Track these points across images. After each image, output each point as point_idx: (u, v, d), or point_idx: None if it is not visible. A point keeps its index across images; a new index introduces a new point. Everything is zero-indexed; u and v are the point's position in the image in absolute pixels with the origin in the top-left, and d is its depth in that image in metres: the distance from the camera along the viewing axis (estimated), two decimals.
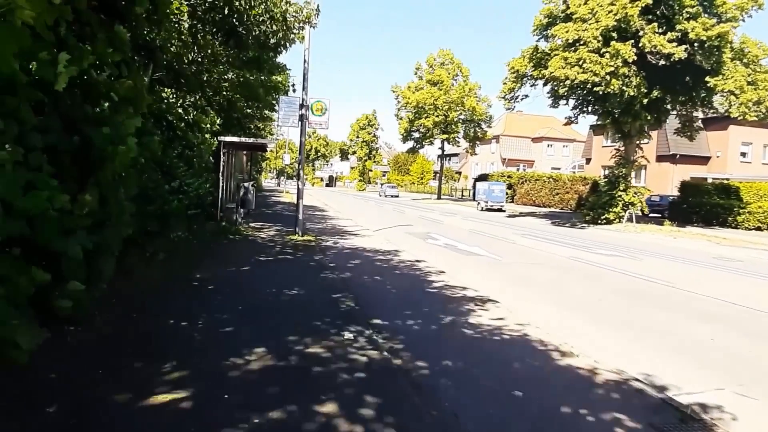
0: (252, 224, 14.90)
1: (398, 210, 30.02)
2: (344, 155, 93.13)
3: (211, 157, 13.46)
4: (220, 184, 13.70)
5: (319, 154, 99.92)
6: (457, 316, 6.15)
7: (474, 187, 44.93)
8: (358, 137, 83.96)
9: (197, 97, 11.76)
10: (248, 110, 16.94)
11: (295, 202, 12.74)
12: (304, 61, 12.64)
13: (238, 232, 12.50)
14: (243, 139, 14.01)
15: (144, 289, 6.10)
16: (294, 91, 17.47)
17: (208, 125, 12.61)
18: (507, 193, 38.43)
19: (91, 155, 3.40)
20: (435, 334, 5.50)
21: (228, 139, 13.57)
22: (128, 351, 4.11)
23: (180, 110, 10.58)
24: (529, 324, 5.88)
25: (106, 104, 3.62)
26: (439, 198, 50.00)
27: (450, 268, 9.72)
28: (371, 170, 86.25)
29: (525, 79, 24.45)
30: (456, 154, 72.17)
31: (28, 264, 2.75)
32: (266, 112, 21.62)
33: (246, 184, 13.79)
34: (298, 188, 13.09)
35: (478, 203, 35.76)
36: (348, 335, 4.89)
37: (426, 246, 13.44)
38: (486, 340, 5.33)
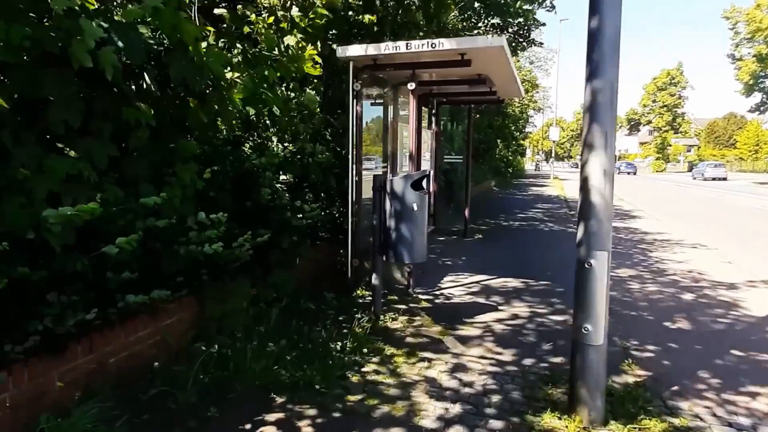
0: (445, 286, 5.49)
1: None
2: (633, 127, 72.99)
3: (315, 107, 4.66)
4: (352, 180, 4.77)
5: None
6: None
7: None
8: (654, 102, 63.99)
9: None
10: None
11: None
12: None
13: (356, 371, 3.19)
14: (395, 45, 4.55)
15: None
16: None
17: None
18: None
19: None
20: None
21: (362, 50, 4.49)
22: None
23: None
24: None
25: None
26: None
27: None
28: (670, 145, 64.65)
29: None
30: None
31: None
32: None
33: (398, 181, 4.31)
34: (588, 210, 2.68)
35: None
36: None
37: None
38: None
